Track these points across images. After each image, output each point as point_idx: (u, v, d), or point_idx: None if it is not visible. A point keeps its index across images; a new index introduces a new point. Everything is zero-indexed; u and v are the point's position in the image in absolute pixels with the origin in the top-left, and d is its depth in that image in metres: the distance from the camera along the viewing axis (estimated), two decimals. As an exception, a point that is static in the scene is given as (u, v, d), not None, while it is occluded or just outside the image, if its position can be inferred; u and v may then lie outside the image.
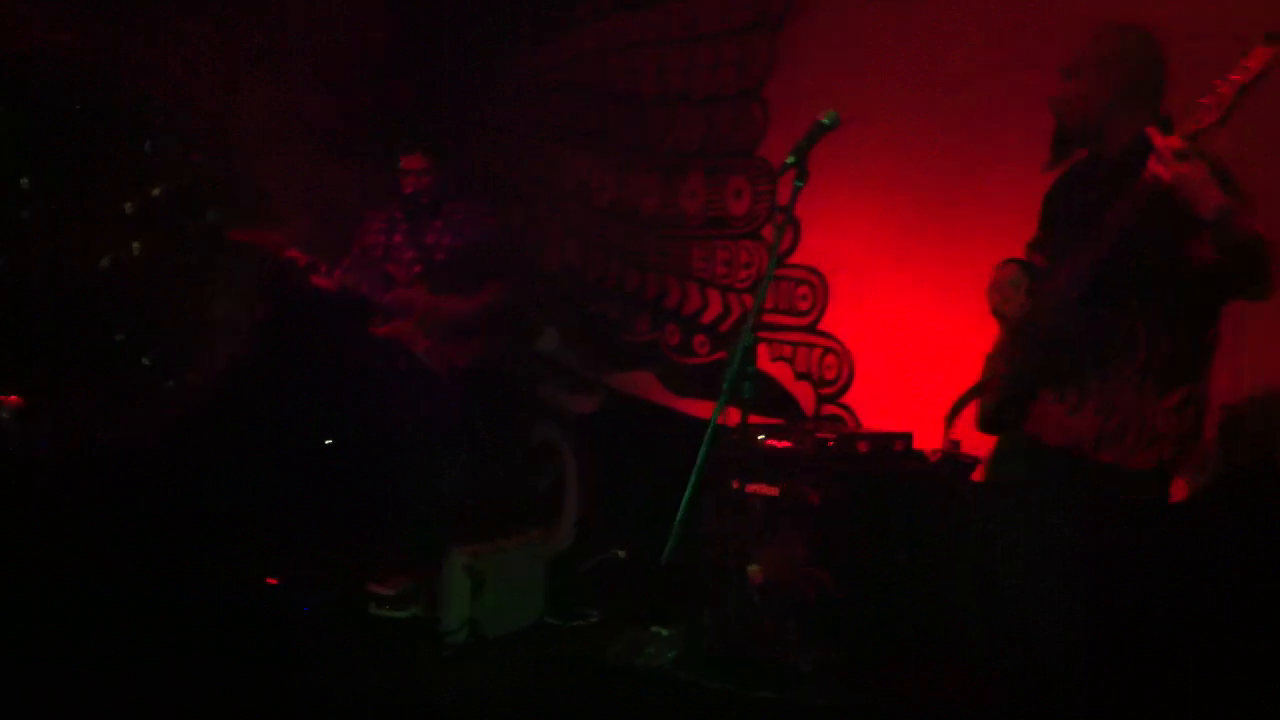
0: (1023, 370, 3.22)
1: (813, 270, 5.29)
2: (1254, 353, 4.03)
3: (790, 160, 3.18)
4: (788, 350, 5.37)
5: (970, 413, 3.50)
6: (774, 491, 4.31)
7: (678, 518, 2.97)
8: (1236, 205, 2.86)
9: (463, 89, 6.70)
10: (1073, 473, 3.09)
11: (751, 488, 4.34)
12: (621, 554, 5.52)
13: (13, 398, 5.19)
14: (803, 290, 5.32)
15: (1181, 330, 3.06)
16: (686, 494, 2.98)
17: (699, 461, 2.99)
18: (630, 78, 6.09)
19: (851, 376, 5.17)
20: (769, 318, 5.34)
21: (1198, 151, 2.78)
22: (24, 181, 5.65)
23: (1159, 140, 2.79)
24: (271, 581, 5.11)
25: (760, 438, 4.40)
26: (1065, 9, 4.27)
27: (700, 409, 5.58)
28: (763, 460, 4.36)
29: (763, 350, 5.31)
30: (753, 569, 4.27)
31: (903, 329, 4.95)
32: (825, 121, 3.23)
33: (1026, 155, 3.40)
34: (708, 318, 5.75)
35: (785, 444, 4.38)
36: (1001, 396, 3.28)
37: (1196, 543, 3.99)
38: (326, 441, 5.87)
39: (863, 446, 4.40)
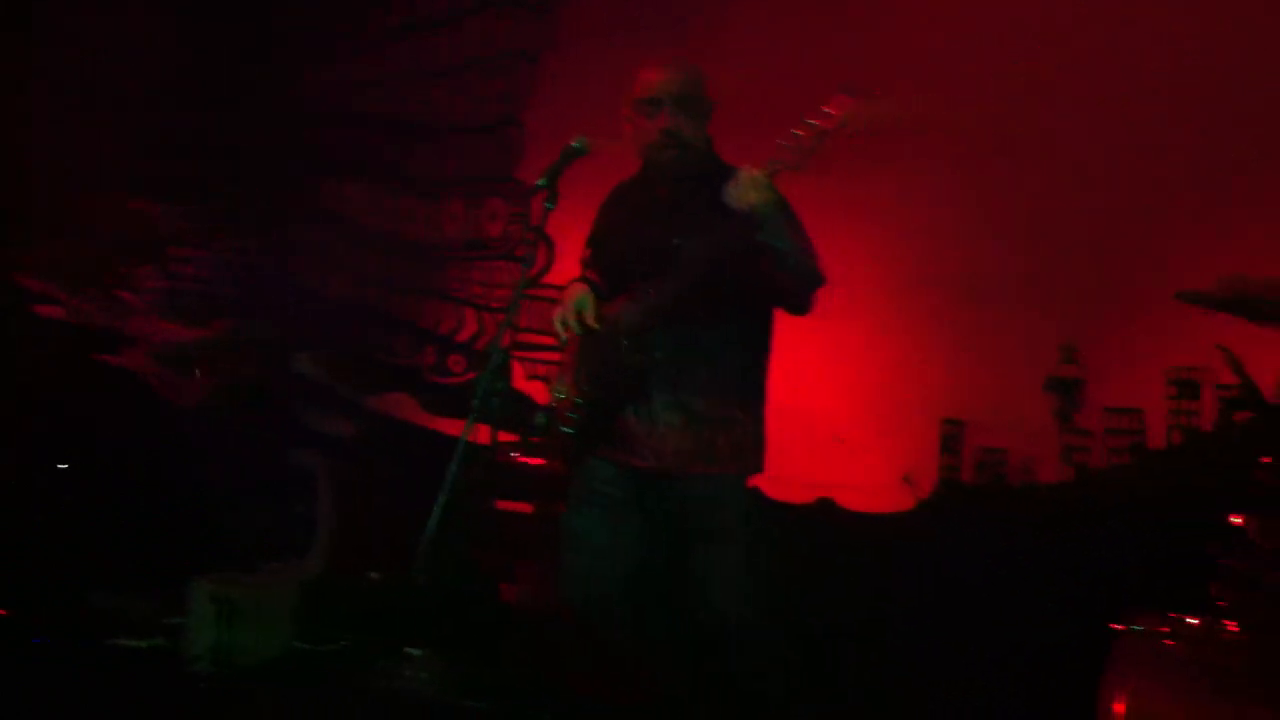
0: (601, 393, 3.25)
1: (566, 290, 5.38)
2: (975, 375, 4.37)
3: (541, 183, 3.21)
4: (542, 369, 5.44)
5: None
6: (527, 509, 4.35)
7: (426, 537, 2.96)
8: (800, 234, 3.13)
9: (228, 117, 6.54)
10: (665, 490, 3.20)
11: (503, 505, 4.37)
12: (376, 576, 5.44)
13: None
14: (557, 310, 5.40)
15: (749, 350, 3.28)
16: (435, 513, 2.98)
17: (447, 480, 3.00)
18: (394, 105, 6.10)
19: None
20: (524, 337, 5.40)
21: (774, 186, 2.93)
22: None
23: (749, 172, 2.93)
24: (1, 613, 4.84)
25: (512, 455, 4.44)
26: (805, 52, 4.53)
27: (457, 428, 5.57)
28: (515, 478, 4.40)
29: (519, 369, 5.37)
30: (506, 585, 4.31)
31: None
32: (575, 146, 3.27)
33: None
34: (463, 337, 5.78)
35: (538, 461, 4.43)
36: (580, 421, 3.28)
37: (918, 549, 4.26)
38: (60, 466, 5.59)
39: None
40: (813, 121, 2.87)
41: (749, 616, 3.20)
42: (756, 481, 4.63)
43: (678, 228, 3.13)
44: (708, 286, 3.08)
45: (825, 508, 4.63)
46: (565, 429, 3.28)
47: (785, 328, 3.35)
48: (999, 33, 4.36)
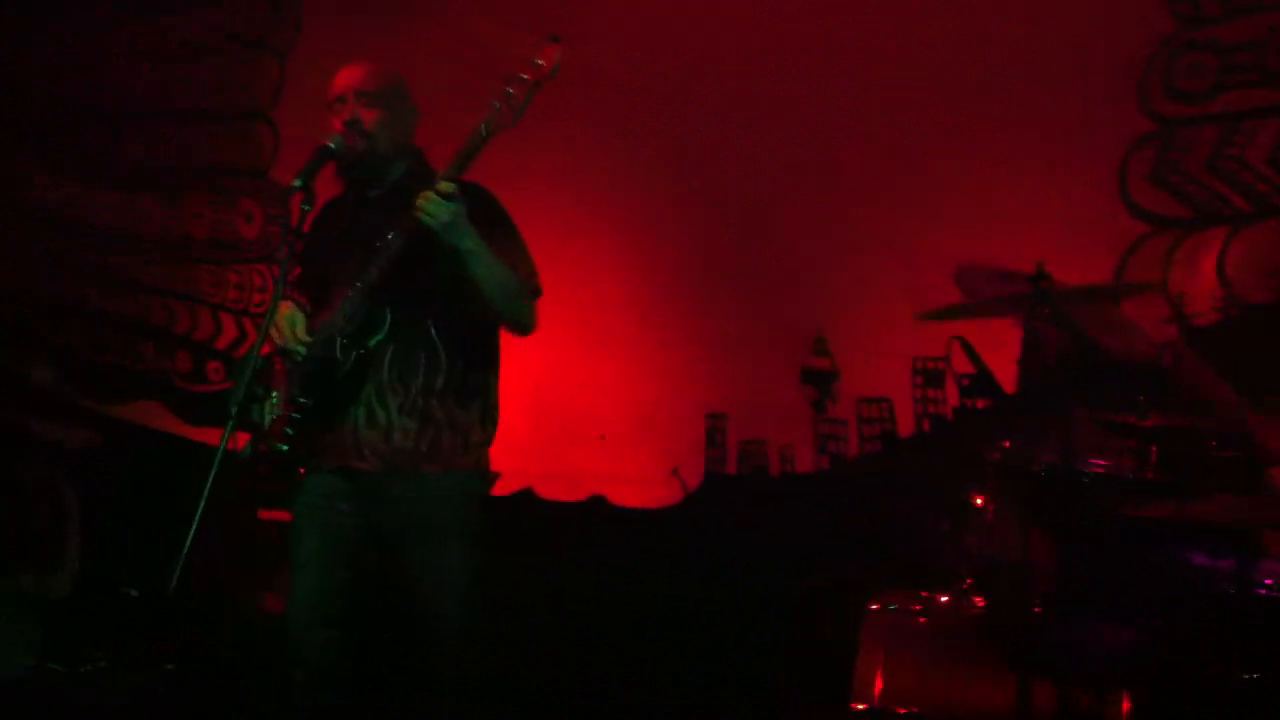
0: (319, 399, 3.19)
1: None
2: (735, 370, 4.50)
3: (296, 184, 3.10)
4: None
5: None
6: (289, 517, 4.24)
7: (183, 548, 2.85)
8: (507, 247, 3.11)
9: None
10: (400, 490, 3.17)
11: (267, 514, 4.25)
12: (133, 593, 5.23)
13: None
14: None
15: (472, 348, 3.25)
16: (193, 523, 2.87)
17: (205, 489, 2.89)
18: (124, 93, 5.80)
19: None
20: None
21: (454, 195, 2.91)
22: None
23: (429, 191, 2.91)
24: None
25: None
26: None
27: (216, 437, 5.37)
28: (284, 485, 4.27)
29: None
30: (269, 596, 4.20)
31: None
32: (331, 146, 3.20)
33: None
34: (221, 343, 5.58)
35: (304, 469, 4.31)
36: (298, 434, 3.20)
37: (687, 540, 4.37)
38: None
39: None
40: (524, 76, 2.88)
41: (477, 620, 3.20)
42: (529, 482, 4.71)
43: (381, 227, 3.11)
44: (417, 282, 3.09)
45: (596, 504, 4.69)
46: (281, 446, 3.21)
47: (551, 327, 3.38)
48: (742, 18, 4.50)
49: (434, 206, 2.92)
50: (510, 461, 3.48)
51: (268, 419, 3.25)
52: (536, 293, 3.21)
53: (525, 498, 4.73)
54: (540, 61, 2.89)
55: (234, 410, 2.97)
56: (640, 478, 4.62)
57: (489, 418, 3.30)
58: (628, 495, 4.66)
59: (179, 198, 5.68)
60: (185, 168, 5.67)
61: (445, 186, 2.92)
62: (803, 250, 4.37)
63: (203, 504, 2.85)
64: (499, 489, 3.38)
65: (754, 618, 4.19)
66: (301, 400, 3.18)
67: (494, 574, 3.23)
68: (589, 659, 4.32)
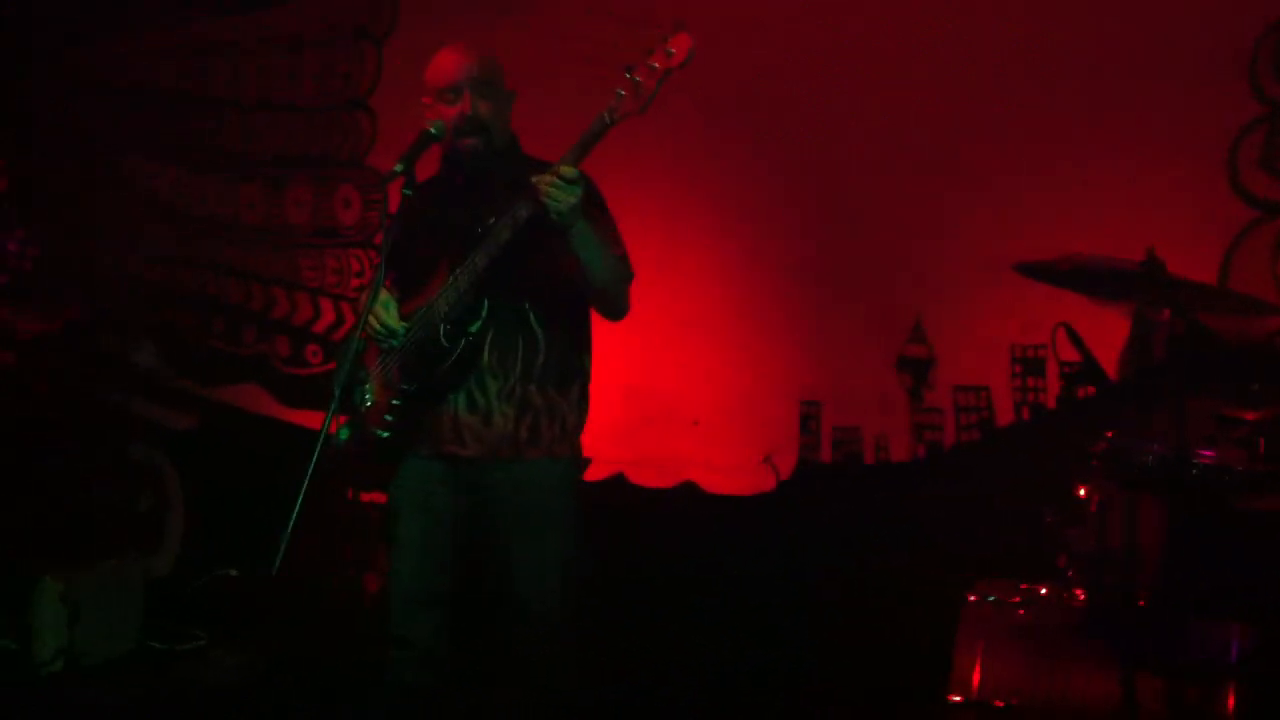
0: (419, 386, 3.21)
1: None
2: (829, 356, 4.47)
3: (398, 169, 3.12)
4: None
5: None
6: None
7: (287, 529, 2.89)
8: (606, 231, 3.11)
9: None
10: (499, 476, 3.19)
11: (367, 496, 4.30)
12: (234, 573, 5.33)
13: None
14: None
15: (569, 331, 3.27)
16: (297, 504, 2.91)
17: (309, 471, 2.92)
18: (226, 83, 5.90)
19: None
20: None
21: (577, 181, 2.87)
22: None
23: (551, 174, 2.87)
24: None
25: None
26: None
27: (315, 420, 5.47)
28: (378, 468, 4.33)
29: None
30: (368, 577, 4.26)
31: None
32: (432, 131, 3.22)
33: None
34: (320, 327, 5.67)
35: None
36: (398, 420, 3.23)
37: (779, 528, 4.35)
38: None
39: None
40: (654, 64, 2.84)
41: (574, 604, 3.20)
42: (621, 467, 4.72)
43: (479, 212, 3.12)
44: (514, 266, 3.09)
45: (688, 490, 4.69)
46: (383, 433, 3.24)
47: (642, 312, 3.37)
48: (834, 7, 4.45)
49: (559, 192, 2.88)
50: (602, 447, 3.48)
51: (366, 404, 3.29)
52: (630, 275, 3.22)
53: (617, 483, 4.75)
54: (672, 50, 2.82)
55: (338, 392, 3.01)
56: (732, 464, 4.61)
57: (584, 403, 3.32)
58: (719, 481, 4.65)
59: (281, 185, 5.78)
60: (287, 156, 5.77)
61: (569, 172, 2.89)
62: (901, 236, 4.32)
63: (306, 485, 2.88)
64: (591, 474, 3.38)
65: (847, 607, 4.16)
66: (404, 388, 3.21)
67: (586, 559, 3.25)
68: (677, 644, 4.32)
